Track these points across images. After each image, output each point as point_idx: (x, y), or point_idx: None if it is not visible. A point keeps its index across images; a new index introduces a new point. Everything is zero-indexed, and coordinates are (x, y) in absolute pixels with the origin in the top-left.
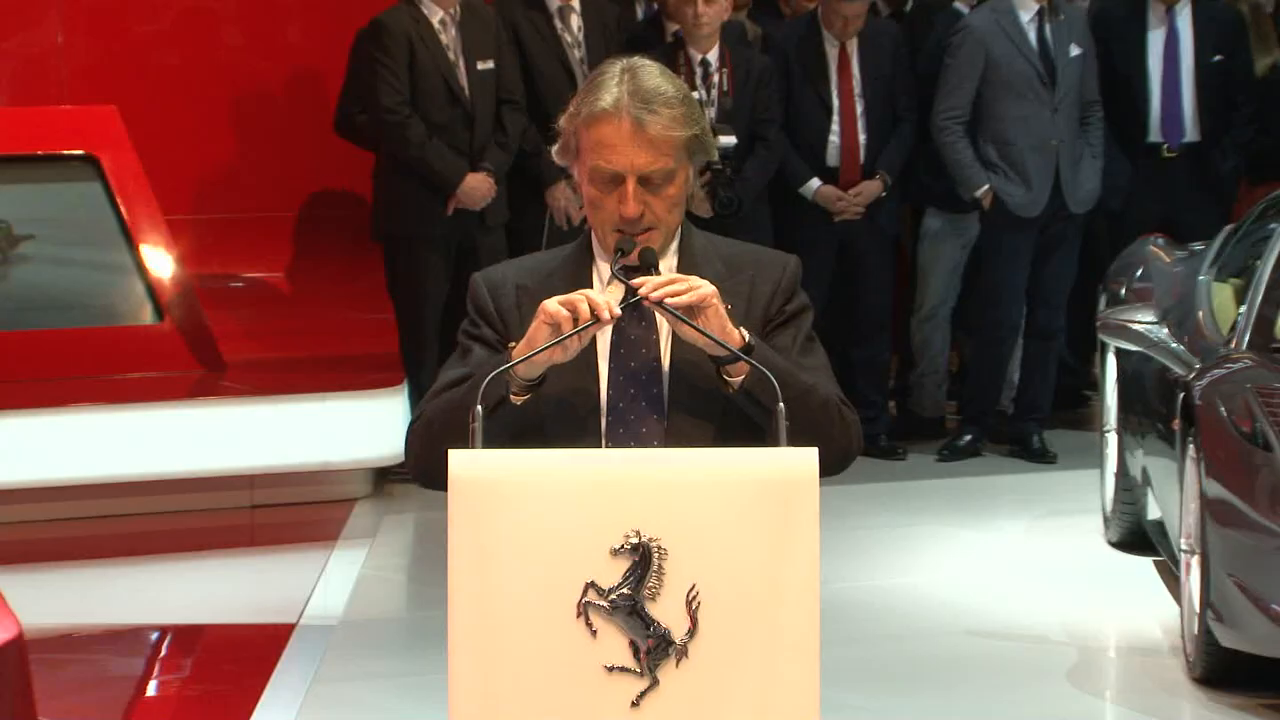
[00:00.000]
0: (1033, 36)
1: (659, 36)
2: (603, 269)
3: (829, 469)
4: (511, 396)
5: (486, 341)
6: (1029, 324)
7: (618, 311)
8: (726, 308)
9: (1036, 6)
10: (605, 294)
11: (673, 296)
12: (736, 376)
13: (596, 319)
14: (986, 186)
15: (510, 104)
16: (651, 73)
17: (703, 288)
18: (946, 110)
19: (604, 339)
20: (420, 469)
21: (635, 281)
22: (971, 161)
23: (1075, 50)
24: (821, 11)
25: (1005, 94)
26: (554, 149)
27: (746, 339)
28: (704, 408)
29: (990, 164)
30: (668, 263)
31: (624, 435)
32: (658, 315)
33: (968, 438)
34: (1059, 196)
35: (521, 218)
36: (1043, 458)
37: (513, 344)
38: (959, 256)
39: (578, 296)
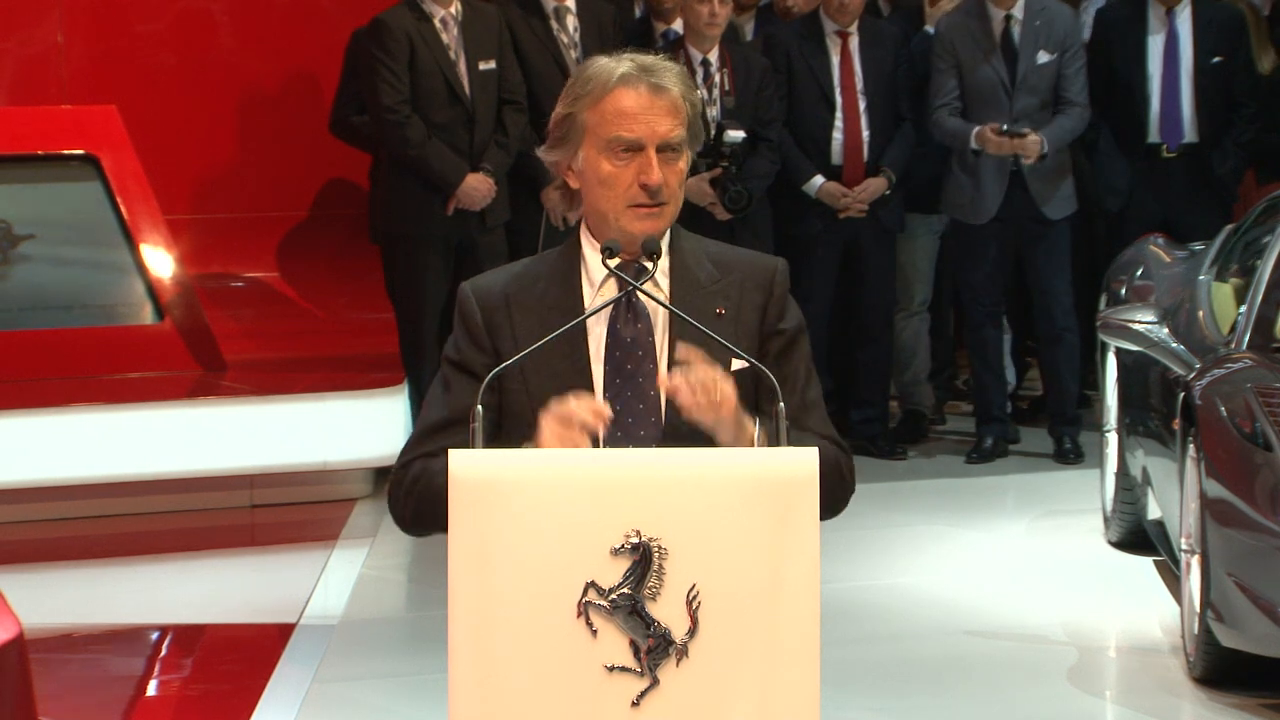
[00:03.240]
0: (1000, 42)
1: (649, 39)
2: (592, 268)
3: (830, 515)
4: None
5: (470, 371)
6: (1038, 332)
7: (609, 414)
8: (718, 311)
9: (1003, 12)
10: (596, 297)
11: (696, 409)
12: None
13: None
14: (977, 129)
15: (512, 104)
16: (643, 53)
17: (729, 399)
18: (935, 104)
19: (598, 341)
20: (405, 528)
21: (669, 386)
22: (960, 127)
23: (1045, 57)
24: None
25: (973, 99)
26: (542, 149)
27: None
28: None
29: (960, 167)
30: (660, 262)
31: (621, 439)
32: (652, 314)
33: (990, 440)
34: (1023, 202)
35: (519, 218)
36: (1065, 459)
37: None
38: (935, 246)
39: (584, 414)
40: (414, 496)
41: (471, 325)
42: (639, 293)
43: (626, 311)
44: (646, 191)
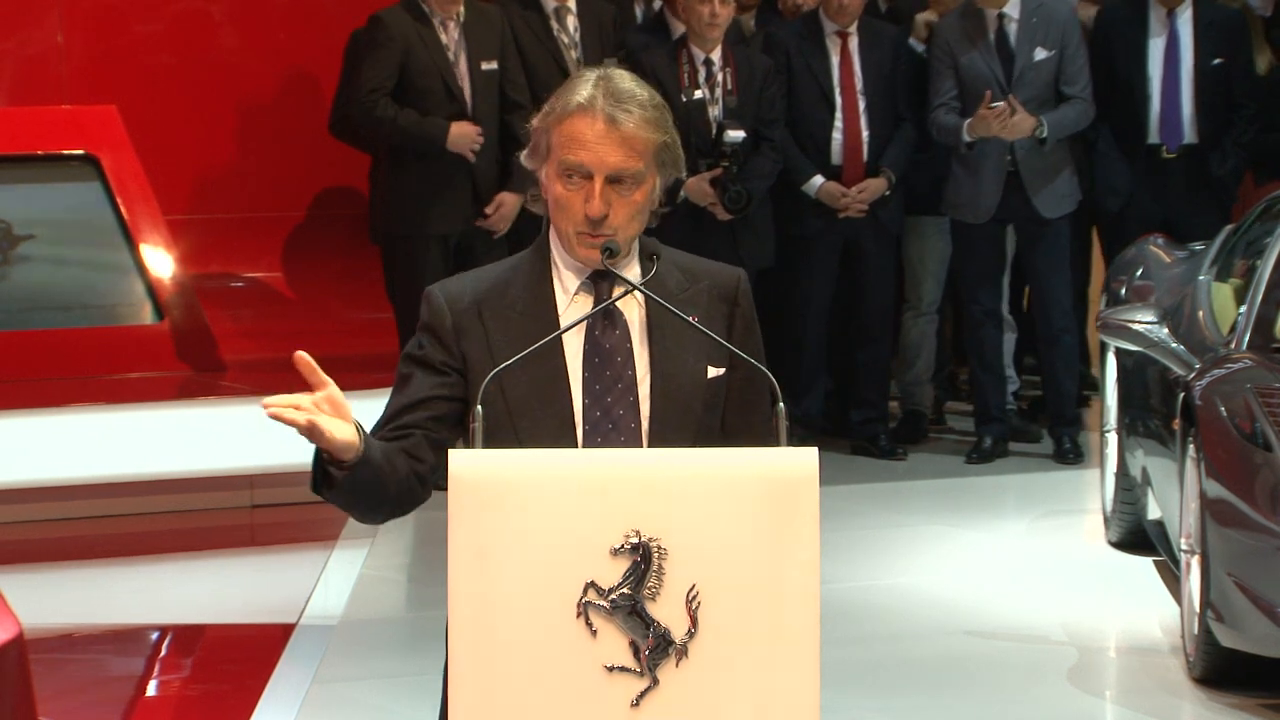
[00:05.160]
0: (995, 40)
1: (665, 35)
2: (564, 276)
3: None
4: (332, 471)
5: (429, 365)
6: (1036, 332)
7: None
8: (692, 318)
9: (995, 11)
10: (570, 305)
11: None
12: None
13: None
14: (969, 120)
15: (517, 107)
16: (625, 78)
17: None
18: (933, 104)
19: (575, 349)
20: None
21: None
22: (955, 122)
23: (1042, 53)
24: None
25: (970, 98)
26: (523, 153)
27: None
28: (681, 414)
29: (960, 166)
30: (632, 271)
31: (600, 445)
32: (629, 322)
33: (989, 440)
34: (1021, 201)
35: (519, 219)
36: (1064, 459)
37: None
38: (946, 248)
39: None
40: None
41: (439, 328)
42: (619, 306)
43: (604, 318)
44: (588, 223)
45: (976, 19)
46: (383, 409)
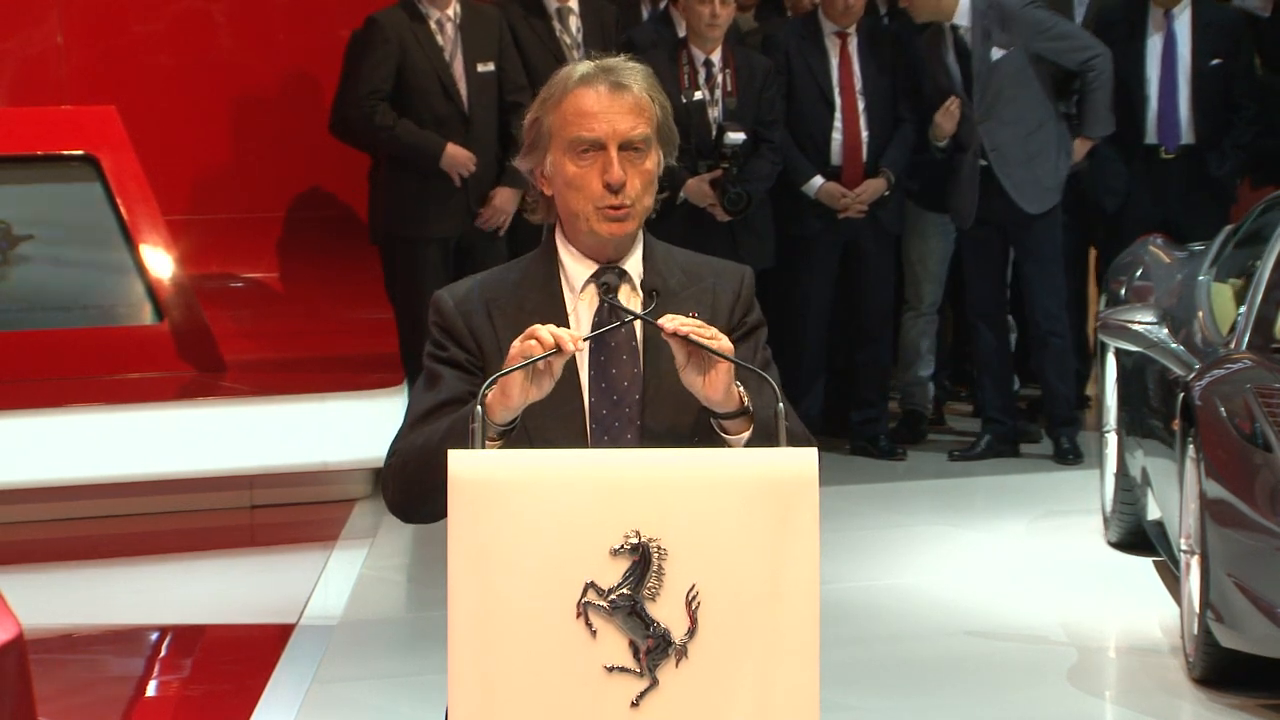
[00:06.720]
0: (954, 51)
1: (670, 32)
2: (571, 274)
3: None
4: (487, 443)
5: (457, 364)
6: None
7: (581, 346)
8: (691, 315)
9: (947, 24)
10: (578, 303)
11: (699, 336)
12: (735, 435)
13: (559, 349)
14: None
15: (517, 108)
16: (611, 57)
17: (724, 339)
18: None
19: (582, 347)
20: (398, 508)
21: (665, 323)
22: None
23: (999, 53)
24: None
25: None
26: (517, 158)
27: (745, 401)
28: (677, 415)
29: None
30: (634, 268)
31: (607, 442)
32: (635, 324)
33: (987, 438)
34: (1002, 201)
35: (518, 218)
36: (1063, 459)
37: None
38: (948, 248)
39: (542, 332)
40: (405, 464)
41: (454, 328)
42: (620, 299)
43: (610, 318)
44: (609, 190)
45: (937, 34)
46: (414, 403)
